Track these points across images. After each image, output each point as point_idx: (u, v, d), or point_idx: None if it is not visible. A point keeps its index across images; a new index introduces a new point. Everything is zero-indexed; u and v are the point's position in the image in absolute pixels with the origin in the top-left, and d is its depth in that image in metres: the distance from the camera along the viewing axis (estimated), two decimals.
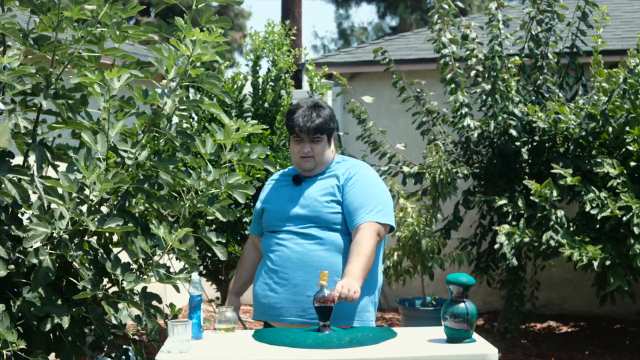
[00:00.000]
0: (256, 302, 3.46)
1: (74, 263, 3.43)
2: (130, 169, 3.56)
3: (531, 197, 6.14)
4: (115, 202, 3.56)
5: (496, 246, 6.20)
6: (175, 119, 3.65)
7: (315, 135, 3.38)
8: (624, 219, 5.75)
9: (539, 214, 6.14)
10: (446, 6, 6.85)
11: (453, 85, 6.84)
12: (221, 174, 3.65)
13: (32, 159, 3.49)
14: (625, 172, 5.99)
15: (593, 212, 5.91)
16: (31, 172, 3.46)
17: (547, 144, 6.56)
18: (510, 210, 6.29)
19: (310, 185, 3.44)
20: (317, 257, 3.32)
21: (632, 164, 6.08)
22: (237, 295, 3.64)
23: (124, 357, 3.78)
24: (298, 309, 3.32)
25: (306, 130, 3.36)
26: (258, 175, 5.58)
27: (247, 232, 5.61)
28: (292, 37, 6.46)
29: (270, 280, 3.39)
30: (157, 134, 3.65)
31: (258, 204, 3.58)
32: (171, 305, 3.88)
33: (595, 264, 5.78)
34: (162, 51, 3.45)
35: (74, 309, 3.43)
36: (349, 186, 3.40)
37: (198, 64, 3.50)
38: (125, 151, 3.57)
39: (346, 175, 3.43)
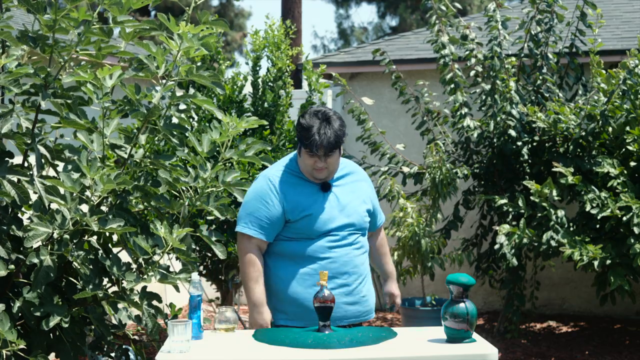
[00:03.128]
0: (305, 308, 3.35)
1: (74, 263, 3.43)
2: (129, 168, 3.55)
3: (531, 197, 6.14)
4: (114, 202, 3.55)
5: (496, 246, 6.20)
6: (174, 120, 3.63)
7: (332, 152, 3.34)
8: (624, 218, 5.75)
9: (539, 214, 6.14)
10: (444, 7, 6.85)
11: (452, 86, 6.84)
12: (218, 169, 3.63)
13: (32, 158, 3.49)
14: (625, 172, 5.99)
15: (593, 212, 5.91)
16: (31, 172, 3.45)
17: (547, 144, 6.56)
18: (510, 210, 6.29)
19: (344, 190, 3.49)
20: (359, 261, 3.46)
21: (632, 164, 6.08)
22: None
23: (124, 357, 3.78)
24: (354, 311, 3.45)
25: (324, 149, 3.31)
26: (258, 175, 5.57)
27: None
28: (292, 36, 6.46)
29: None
30: (154, 128, 3.62)
31: (283, 209, 3.38)
32: (171, 305, 3.87)
33: (596, 263, 5.78)
34: (149, 47, 3.44)
35: (74, 309, 3.43)
36: (371, 189, 3.62)
37: (185, 60, 3.49)
38: (120, 147, 3.56)
39: (364, 178, 3.59)
